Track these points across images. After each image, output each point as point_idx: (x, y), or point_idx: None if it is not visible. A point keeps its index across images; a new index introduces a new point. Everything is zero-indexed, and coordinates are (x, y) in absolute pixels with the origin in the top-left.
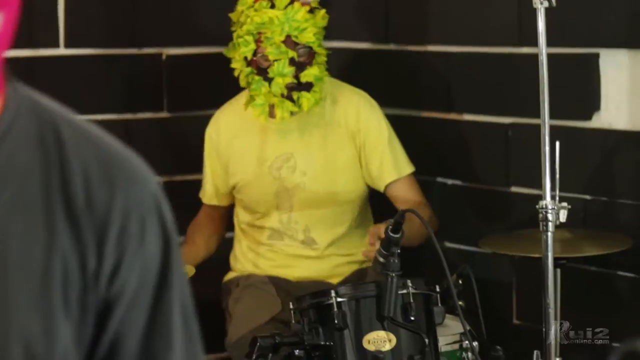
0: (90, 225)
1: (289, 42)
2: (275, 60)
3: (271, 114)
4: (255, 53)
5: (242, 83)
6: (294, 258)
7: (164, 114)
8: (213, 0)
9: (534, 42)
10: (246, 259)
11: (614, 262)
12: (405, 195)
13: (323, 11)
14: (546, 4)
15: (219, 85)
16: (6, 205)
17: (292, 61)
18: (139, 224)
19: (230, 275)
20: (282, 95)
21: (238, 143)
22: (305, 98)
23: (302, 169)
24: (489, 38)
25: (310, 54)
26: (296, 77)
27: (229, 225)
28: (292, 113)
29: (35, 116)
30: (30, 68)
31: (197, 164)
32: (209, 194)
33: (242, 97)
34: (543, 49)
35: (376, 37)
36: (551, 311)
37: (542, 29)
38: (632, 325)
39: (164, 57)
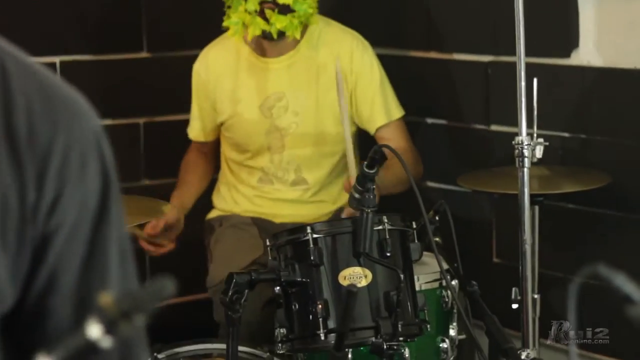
0: (31, 159)
1: None
2: None
3: (261, 52)
4: None
5: (228, 1)
6: (283, 203)
7: (144, 54)
8: None
9: None
10: (230, 198)
11: (592, 199)
12: (393, 139)
13: None
14: None
15: (200, 25)
16: None
17: None
18: (80, 159)
19: (213, 214)
20: (255, 12)
21: (227, 81)
22: (279, 19)
23: (294, 109)
24: None
25: None
26: None
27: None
28: (264, 33)
29: None
30: (5, 5)
31: (177, 105)
32: (196, 131)
33: (229, 36)
34: None
35: None
36: (528, 247)
37: None
38: (610, 262)
39: None
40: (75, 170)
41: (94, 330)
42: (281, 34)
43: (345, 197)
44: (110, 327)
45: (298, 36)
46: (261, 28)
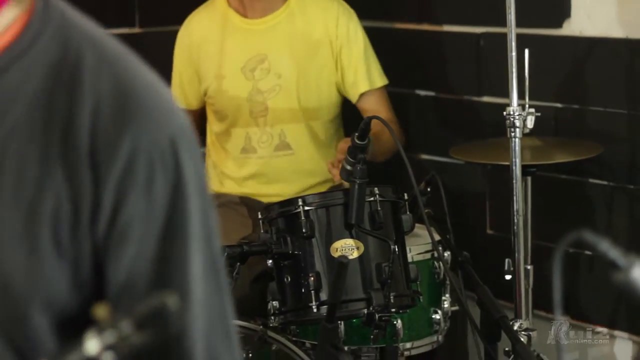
0: (90, 165)
1: None
2: None
3: (244, 13)
4: None
5: None
6: (268, 178)
7: (135, 30)
8: None
9: None
10: (216, 175)
11: (585, 169)
12: (375, 108)
13: None
14: None
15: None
16: (5, 132)
17: None
18: (147, 168)
19: None
20: None
21: (210, 45)
22: None
23: (276, 71)
24: None
25: None
26: None
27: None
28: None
29: (61, 38)
30: None
31: (170, 80)
32: (175, 97)
33: (215, 0)
34: None
35: None
36: (520, 218)
37: None
38: (603, 232)
39: None
40: (140, 179)
41: (92, 345)
42: None
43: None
44: (109, 343)
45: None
46: None
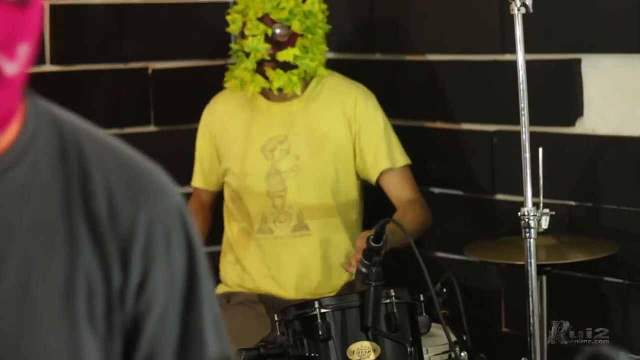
0: (114, 240)
1: (267, 19)
2: (252, 35)
3: (266, 95)
4: (242, 31)
5: (234, 58)
6: (285, 252)
7: (151, 128)
8: (198, 14)
9: (516, 48)
10: (235, 271)
11: (600, 267)
12: (399, 187)
13: (322, 4)
14: (523, 10)
15: (206, 98)
16: (28, 222)
17: (267, 38)
18: (164, 237)
19: (220, 289)
20: (254, 71)
21: (232, 125)
22: (278, 75)
23: (295, 152)
24: (472, 46)
25: (291, 34)
26: (272, 55)
27: (217, 237)
28: (282, 96)
29: (56, 131)
30: None
31: (185, 177)
32: (196, 176)
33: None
34: (521, 55)
35: (361, 47)
36: (536, 318)
37: (519, 35)
38: (619, 331)
39: (150, 71)
40: (161, 248)
41: None
42: (280, 90)
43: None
44: None
45: (299, 92)
46: (260, 86)
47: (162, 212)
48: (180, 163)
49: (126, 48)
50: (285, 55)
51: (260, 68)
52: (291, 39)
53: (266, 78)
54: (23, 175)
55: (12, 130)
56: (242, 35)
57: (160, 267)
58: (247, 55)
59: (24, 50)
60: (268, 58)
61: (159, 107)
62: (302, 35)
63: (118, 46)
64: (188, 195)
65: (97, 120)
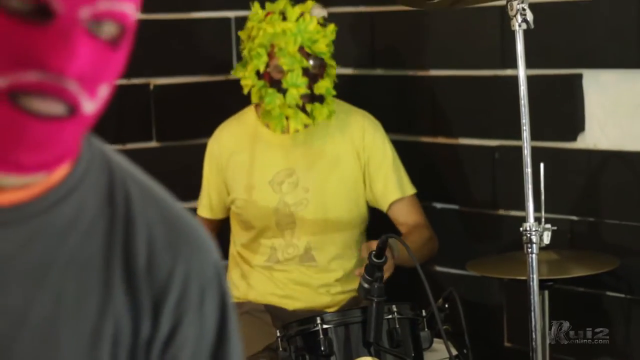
0: (149, 289)
1: (302, 52)
2: (289, 70)
3: (289, 128)
4: (267, 66)
5: (254, 98)
6: (292, 281)
7: (153, 144)
8: (199, 30)
9: (517, 64)
10: (240, 287)
11: (602, 282)
12: (408, 215)
13: (332, 25)
14: (524, 26)
15: (207, 114)
16: (67, 258)
17: (305, 72)
18: (199, 293)
19: None
20: (297, 107)
21: (239, 157)
22: (319, 110)
23: (304, 186)
24: (474, 61)
25: (322, 65)
26: (310, 88)
27: (223, 253)
28: (305, 126)
29: (106, 171)
30: None
31: (187, 194)
32: (202, 206)
33: (245, 113)
34: (522, 71)
35: (363, 63)
36: (538, 333)
37: (520, 51)
38: (621, 346)
39: (151, 87)
40: (194, 303)
41: None
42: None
43: (354, 281)
44: None
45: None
46: (304, 122)
47: (199, 267)
48: (182, 179)
49: (128, 64)
50: (320, 88)
51: (301, 106)
52: (322, 70)
53: (306, 113)
54: (71, 211)
55: (66, 165)
56: (266, 67)
57: (191, 322)
58: (283, 90)
59: (104, 91)
60: (308, 92)
61: (161, 123)
62: (331, 65)
63: None
64: (190, 211)
65: (99, 136)
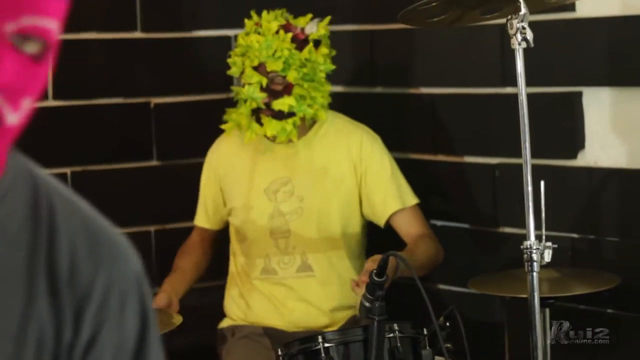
0: (71, 297)
1: (262, 68)
2: (248, 84)
3: (270, 137)
4: (241, 74)
5: (235, 99)
6: (289, 293)
7: (153, 163)
8: (200, 49)
9: (517, 82)
10: (239, 306)
11: (603, 300)
12: (410, 226)
13: (324, 48)
14: (524, 44)
15: (208, 133)
16: None
17: (262, 87)
18: (119, 300)
19: (225, 323)
20: (251, 118)
21: (236, 166)
22: (270, 124)
23: (299, 194)
24: (474, 79)
25: (287, 84)
26: (268, 103)
27: (223, 271)
28: (264, 136)
29: (30, 185)
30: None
31: (188, 212)
32: (199, 215)
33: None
34: (522, 89)
35: (363, 81)
36: (539, 351)
37: (520, 69)
38: None
39: (152, 105)
40: (114, 311)
41: None
42: (274, 136)
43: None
44: None
45: (294, 139)
46: (256, 133)
47: (120, 276)
48: (182, 197)
49: (128, 83)
50: (280, 104)
51: (257, 114)
52: (287, 87)
53: (261, 124)
54: None
55: None
56: (239, 80)
57: (111, 328)
58: (245, 101)
59: (28, 104)
60: (263, 107)
61: (161, 141)
62: (298, 84)
63: (120, 81)
64: (191, 229)
65: (100, 155)
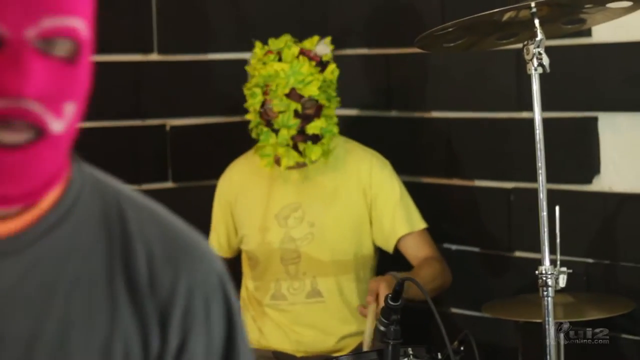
0: (154, 305)
1: (294, 94)
2: (280, 112)
3: (279, 163)
4: (263, 104)
5: (253, 134)
6: (300, 319)
7: (169, 185)
8: (215, 71)
9: (533, 107)
10: (252, 330)
11: (618, 325)
12: (418, 249)
13: (333, 66)
14: (540, 70)
15: (223, 155)
16: (70, 282)
17: (296, 113)
18: (204, 304)
19: None
20: (288, 146)
21: (248, 193)
22: (311, 149)
23: (310, 220)
24: (489, 104)
25: (317, 106)
26: (302, 128)
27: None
28: (298, 164)
29: (98, 194)
30: None
31: (203, 234)
32: (211, 242)
33: (254, 151)
34: (538, 114)
35: (378, 105)
36: None
37: (536, 94)
38: None
39: (167, 127)
40: (200, 314)
41: None
42: (313, 162)
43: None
44: None
45: (327, 159)
46: (295, 160)
47: (202, 278)
48: (198, 220)
49: (144, 105)
50: (313, 128)
51: (292, 141)
52: (317, 110)
53: (299, 152)
54: (67, 235)
55: (57, 190)
56: (262, 106)
57: (199, 333)
58: (275, 131)
59: (71, 109)
60: (300, 133)
61: (177, 163)
62: (325, 105)
63: (136, 103)
64: None
65: (115, 177)
